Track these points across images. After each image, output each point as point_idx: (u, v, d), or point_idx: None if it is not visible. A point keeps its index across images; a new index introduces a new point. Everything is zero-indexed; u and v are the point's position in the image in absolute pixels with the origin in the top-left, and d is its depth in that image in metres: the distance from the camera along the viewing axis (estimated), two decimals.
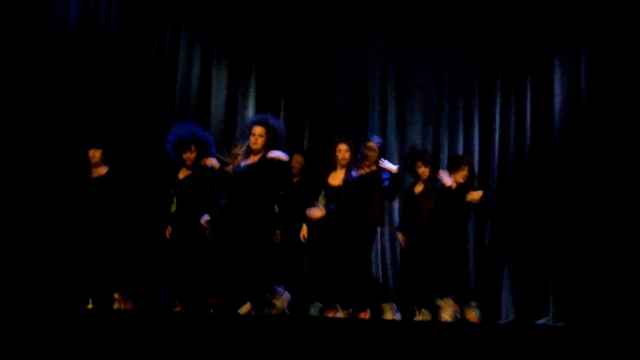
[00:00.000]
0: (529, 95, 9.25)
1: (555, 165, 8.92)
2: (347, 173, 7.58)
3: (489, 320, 8.41)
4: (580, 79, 9.06)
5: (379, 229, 8.74)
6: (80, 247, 7.60)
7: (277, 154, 7.14)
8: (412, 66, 9.45)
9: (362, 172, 7.57)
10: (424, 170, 7.95)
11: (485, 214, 8.56)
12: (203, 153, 7.50)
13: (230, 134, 8.45)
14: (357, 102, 9.33)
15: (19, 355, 5.92)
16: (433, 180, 7.96)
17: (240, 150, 7.40)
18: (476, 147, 9.32)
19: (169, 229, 7.67)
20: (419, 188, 8.01)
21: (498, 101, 9.34)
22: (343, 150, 7.65)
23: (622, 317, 7.95)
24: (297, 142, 9.17)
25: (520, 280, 8.84)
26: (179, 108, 8.93)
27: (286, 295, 7.21)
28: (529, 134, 9.17)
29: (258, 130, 7.22)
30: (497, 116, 9.33)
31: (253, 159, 7.26)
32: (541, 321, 8.52)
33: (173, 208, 7.69)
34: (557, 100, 9.09)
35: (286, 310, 7.24)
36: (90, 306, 7.51)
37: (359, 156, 7.61)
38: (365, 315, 7.36)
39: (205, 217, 7.39)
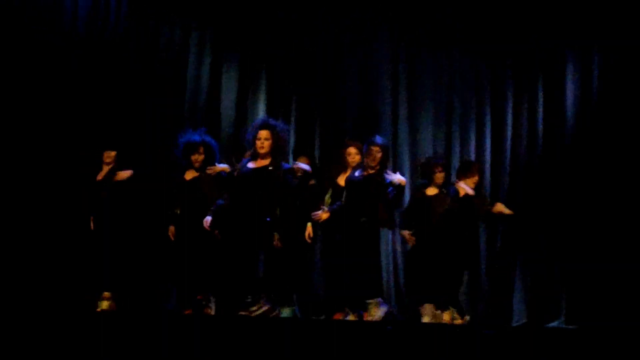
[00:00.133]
0: (540, 95, 9.18)
1: (568, 165, 8.85)
2: (352, 173, 7.58)
3: (501, 323, 8.39)
4: (593, 79, 8.97)
5: (389, 233, 8.79)
6: (87, 247, 7.59)
7: (303, 167, 7.38)
8: (423, 67, 9.38)
9: (366, 173, 7.53)
10: (440, 176, 7.92)
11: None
12: (211, 156, 7.60)
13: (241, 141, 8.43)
14: (368, 103, 9.28)
15: (20, 356, 5.94)
16: (447, 186, 7.95)
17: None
18: (488, 148, 9.25)
19: (172, 229, 7.63)
20: (432, 191, 7.97)
21: (510, 101, 9.27)
22: (353, 153, 7.76)
23: (635, 318, 7.88)
24: (307, 143, 9.14)
25: (532, 282, 8.77)
26: (188, 110, 8.91)
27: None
28: (540, 134, 9.10)
29: (264, 134, 7.30)
30: (509, 116, 9.25)
31: (260, 162, 7.28)
32: (553, 324, 8.46)
33: (178, 210, 7.68)
34: (569, 100, 9.02)
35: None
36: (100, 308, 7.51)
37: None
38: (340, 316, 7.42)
39: (208, 219, 7.37)
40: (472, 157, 9.17)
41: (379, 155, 7.58)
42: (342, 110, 9.25)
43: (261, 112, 9.13)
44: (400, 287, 8.88)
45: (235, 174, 7.38)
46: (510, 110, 9.26)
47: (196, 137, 7.66)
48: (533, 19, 8.97)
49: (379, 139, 7.69)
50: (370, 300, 7.40)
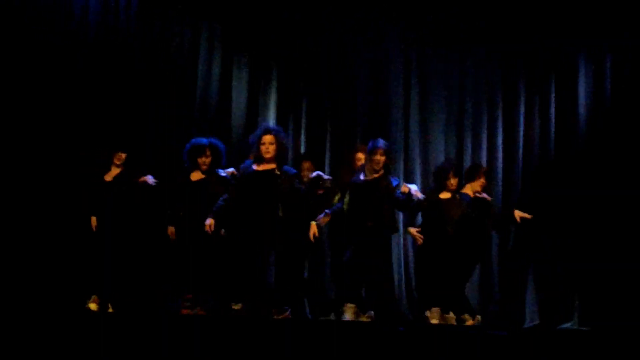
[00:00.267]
0: (553, 96, 9.15)
1: (580, 167, 8.82)
2: (356, 177, 7.63)
3: (514, 325, 8.37)
4: (605, 80, 8.97)
5: (400, 236, 8.82)
6: (87, 248, 7.62)
7: (321, 175, 7.49)
8: (434, 69, 9.37)
9: (370, 177, 7.57)
10: (454, 182, 7.90)
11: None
12: (217, 158, 7.69)
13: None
14: (379, 105, 9.26)
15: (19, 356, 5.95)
16: (460, 192, 7.95)
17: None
18: (500, 149, 9.22)
19: (171, 229, 7.64)
20: (445, 195, 7.94)
21: (522, 102, 9.25)
22: (362, 158, 7.79)
23: None
24: (319, 143, 9.13)
25: (545, 284, 8.74)
26: (199, 109, 8.91)
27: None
28: (553, 135, 9.08)
29: (268, 138, 7.38)
30: (521, 118, 9.23)
31: (265, 166, 7.36)
32: (566, 325, 8.43)
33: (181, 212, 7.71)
34: (582, 101, 9.01)
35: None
36: (93, 307, 7.50)
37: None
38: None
39: (209, 221, 7.39)
40: (484, 159, 9.19)
41: (382, 159, 7.58)
42: (352, 112, 9.24)
43: (272, 114, 9.13)
44: (411, 289, 8.86)
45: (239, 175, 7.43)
46: (522, 112, 9.24)
47: (203, 140, 7.71)
48: (545, 20, 8.95)
49: (381, 143, 7.67)
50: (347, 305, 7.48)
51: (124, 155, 7.76)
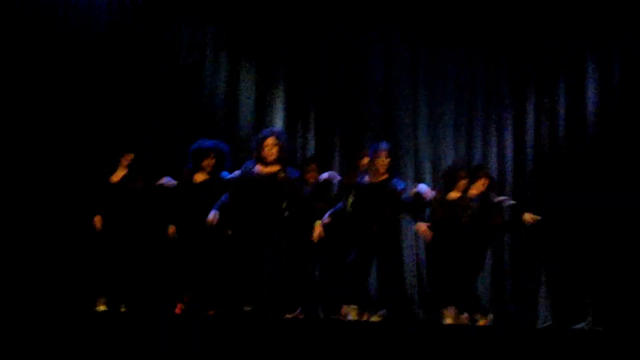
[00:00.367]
0: (562, 97, 9.13)
1: (590, 167, 8.79)
2: (359, 176, 7.66)
3: (527, 325, 8.37)
4: (614, 79, 8.96)
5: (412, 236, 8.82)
6: (91, 248, 7.61)
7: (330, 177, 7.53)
8: (443, 71, 9.34)
9: (375, 180, 7.57)
10: (464, 183, 7.87)
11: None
12: (222, 161, 7.69)
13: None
14: (388, 104, 9.23)
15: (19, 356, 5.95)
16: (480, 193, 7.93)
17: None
18: (509, 150, 9.19)
19: (172, 228, 7.64)
20: (454, 195, 7.89)
21: (531, 102, 9.22)
22: (367, 163, 7.77)
23: None
24: (327, 146, 9.11)
25: (558, 284, 8.71)
26: (206, 111, 8.90)
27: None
28: (562, 135, 9.05)
29: (271, 140, 7.38)
30: (531, 119, 9.20)
31: (269, 168, 7.36)
32: (579, 325, 8.40)
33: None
34: (591, 101, 8.99)
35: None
36: (102, 308, 7.49)
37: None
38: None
39: (213, 213, 7.37)
40: (494, 160, 9.18)
41: (387, 161, 7.58)
42: (361, 114, 9.21)
43: (280, 117, 9.10)
44: (424, 289, 8.83)
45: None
46: (531, 113, 9.21)
47: (208, 142, 7.72)
48: (553, 20, 8.94)
49: (385, 145, 7.66)
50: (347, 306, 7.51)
51: (131, 157, 7.74)
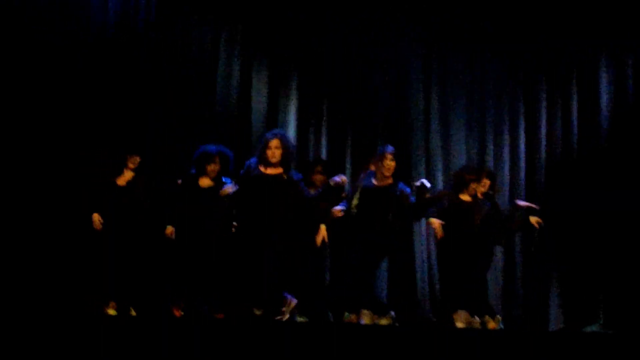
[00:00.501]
0: (575, 97, 9.12)
1: (604, 168, 8.77)
2: (366, 177, 7.67)
3: (538, 328, 8.37)
4: (627, 79, 8.96)
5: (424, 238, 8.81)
6: (94, 250, 7.63)
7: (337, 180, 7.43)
8: (456, 69, 9.32)
9: (381, 183, 7.58)
10: (474, 186, 7.86)
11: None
12: (226, 166, 7.68)
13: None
14: (400, 105, 9.22)
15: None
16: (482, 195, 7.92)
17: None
18: (522, 151, 9.19)
19: (170, 229, 7.65)
20: (466, 197, 7.88)
21: (544, 103, 9.21)
22: None
23: None
24: (339, 147, 9.11)
25: (569, 286, 8.70)
26: (218, 112, 8.88)
27: (294, 302, 7.33)
28: (575, 136, 9.04)
29: (274, 142, 7.42)
30: (543, 119, 9.19)
31: (272, 170, 7.40)
32: (590, 328, 8.39)
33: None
34: (604, 101, 8.99)
35: (295, 317, 7.39)
36: (112, 312, 7.52)
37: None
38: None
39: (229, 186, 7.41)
40: (507, 161, 9.17)
41: (392, 164, 7.59)
42: (373, 115, 9.19)
43: (292, 118, 9.08)
44: (435, 292, 8.83)
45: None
46: (544, 114, 9.20)
47: (212, 148, 7.71)
48: (566, 20, 8.92)
49: (390, 148, 7.67)
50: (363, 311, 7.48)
51: (138, 159, 7.75)
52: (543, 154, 9.12)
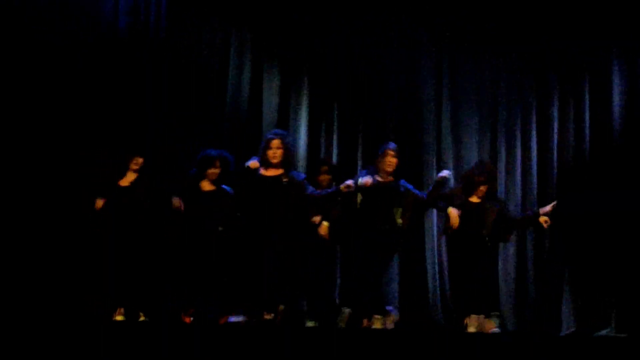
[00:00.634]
0: (587, 99, 9.08)
1: (616, 171, 8.74)
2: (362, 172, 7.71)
3: (550, 332, 8.33)
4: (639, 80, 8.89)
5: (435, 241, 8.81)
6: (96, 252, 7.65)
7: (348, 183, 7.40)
8: (467, 71, 9.30)
9: (383, 180, 7.57)
10: (483, 189, 7.81)
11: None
12: (227, 170, 7.69)
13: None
14: (411, 107, 9.21)
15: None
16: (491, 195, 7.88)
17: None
18: (534, 152, 9.15)
19: (177, 201, 7.65)
20: (475, 199, 7.84)
21: (556, 105, 9.17)
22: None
23: None
24: (351, 148, 9.11)
25: (581, 290, 8.66)
26: (229, 115, 8.91)
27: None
28: (587, 138, 9.00)
29: (275, 143, 7.46)
30: (555, 120, 9.15)
31: (272, 171, 7.43)
32: (602, 332, 8.34)
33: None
34: (616, 101, 8.93)
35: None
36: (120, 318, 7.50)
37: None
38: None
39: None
40: (518, 162, 9.13)
41: (394, 160, 7.59)
42: (384, 116, 9.18)
43: (303, 120, 9.09)
44: (446, 296, 8.80)
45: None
46: (556, 114, 9.17)
47: (213, 152, 7.73)
48: (579, 21, 8.87)
49: (392, 145, 7.70)
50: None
51: (140, 160, 7.75)
52: (555, 157, 9.08)
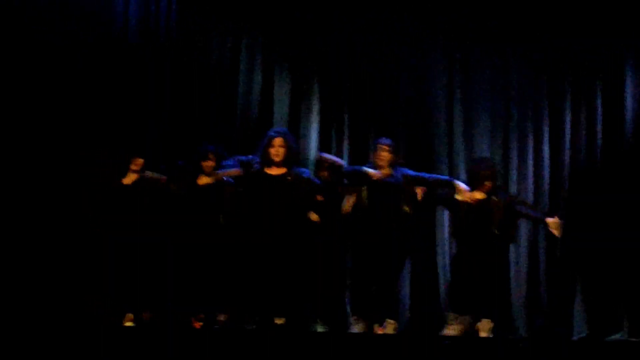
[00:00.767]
0: (599, 102, 9.04)
1: (628, 175, 8.69)
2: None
3: (562, 336, 8.26)
4: None
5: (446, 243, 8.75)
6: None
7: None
8: (478, 75, 9.26)
9: (382, 175, 7.59)
10: (489, 185, 7.76)
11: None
12: (220, 164, 7.69)
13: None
14: (423, 110, 9.17)
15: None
16: (499, 193, 7.82)
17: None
18: (546, 155, 9.11)
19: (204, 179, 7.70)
20: (480, 195, 7.78)
21: (568, 107, 9.13)
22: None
23: None
24: (362, 151, 9.04)
25: (593, 294, 8.61)
26: (240, 119, 8.92)
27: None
28: (600, 141, 8.96)
29: (278, 141, 7.45)
30: (568, 123, 9.11)
31: (275, 170, 7.42)
32: (615, 337, 8.30)
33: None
34: (629, 105, 8.89)
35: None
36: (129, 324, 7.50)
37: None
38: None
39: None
40: (530, 164, 9.08)
41: (385, 154, 7.63)
42: (396, 119, 9.15)
43: (314, 124, 9.08)
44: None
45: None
46: (568, 117, 9.12)
47: (206, 145, 7.78)
48: (590, 22, 8.84)
49: (385, 140, 7.75)
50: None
51: (140, 161, 7.76)
52: (567, 161, 9.03)
